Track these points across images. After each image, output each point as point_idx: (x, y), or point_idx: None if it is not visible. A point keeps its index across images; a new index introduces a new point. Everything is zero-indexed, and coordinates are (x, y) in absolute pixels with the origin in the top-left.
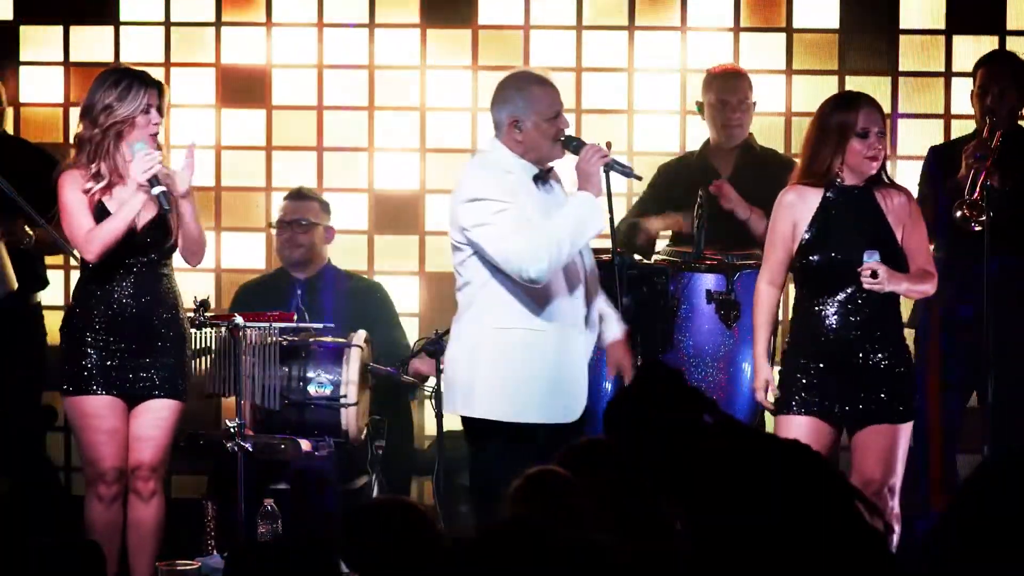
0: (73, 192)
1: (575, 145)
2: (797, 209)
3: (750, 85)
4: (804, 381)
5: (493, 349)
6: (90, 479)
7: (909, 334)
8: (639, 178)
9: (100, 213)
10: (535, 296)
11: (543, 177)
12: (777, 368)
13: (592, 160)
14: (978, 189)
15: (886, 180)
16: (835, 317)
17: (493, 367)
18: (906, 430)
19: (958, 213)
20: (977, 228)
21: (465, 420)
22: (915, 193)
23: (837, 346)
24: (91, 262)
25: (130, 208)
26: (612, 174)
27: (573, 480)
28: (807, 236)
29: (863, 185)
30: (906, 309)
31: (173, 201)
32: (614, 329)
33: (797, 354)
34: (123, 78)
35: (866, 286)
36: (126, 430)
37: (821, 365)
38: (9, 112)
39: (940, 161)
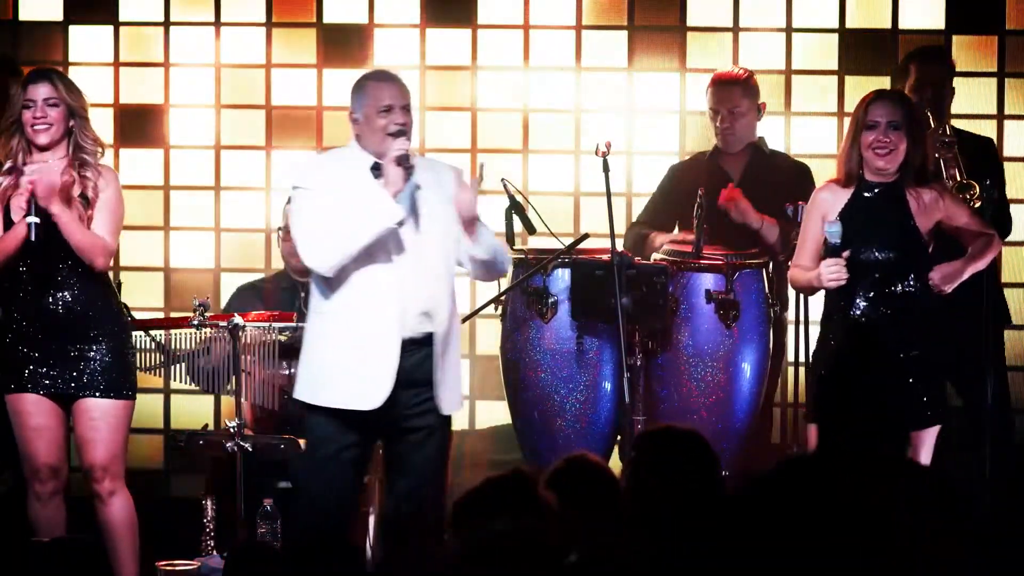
0: None
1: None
2: (828, 204)
3: (747, 92)
4: None
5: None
6: (27, 476)
7: None
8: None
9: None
10: (330, 282)
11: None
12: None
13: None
14: (951, 179)
15: (917, 177)
16: (862, 312)
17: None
18: (932, 433)
19: None
20: None
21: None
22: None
23: (867, 342)
24: None
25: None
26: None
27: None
28: None
29: (893, 182)
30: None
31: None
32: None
33: (828, 353)
34: None
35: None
36: (60, 429)
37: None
38: None
39: None
